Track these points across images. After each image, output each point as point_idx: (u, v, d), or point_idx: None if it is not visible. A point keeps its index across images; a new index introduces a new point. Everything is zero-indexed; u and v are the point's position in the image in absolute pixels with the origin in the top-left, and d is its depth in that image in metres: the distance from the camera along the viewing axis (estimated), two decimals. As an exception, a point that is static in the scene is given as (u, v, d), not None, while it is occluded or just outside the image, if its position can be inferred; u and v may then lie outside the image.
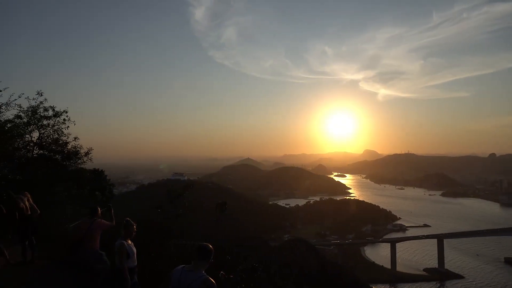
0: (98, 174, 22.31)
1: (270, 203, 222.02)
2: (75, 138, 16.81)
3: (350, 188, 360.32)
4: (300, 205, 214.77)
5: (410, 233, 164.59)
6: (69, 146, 16.75)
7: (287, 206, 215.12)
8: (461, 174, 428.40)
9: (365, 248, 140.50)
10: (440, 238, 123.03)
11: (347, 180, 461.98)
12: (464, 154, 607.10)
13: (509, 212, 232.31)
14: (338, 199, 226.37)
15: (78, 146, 16.96)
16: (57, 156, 16.68)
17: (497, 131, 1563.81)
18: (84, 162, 17.36)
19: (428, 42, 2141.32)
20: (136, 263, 7.10)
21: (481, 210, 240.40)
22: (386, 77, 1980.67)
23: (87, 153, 17.27)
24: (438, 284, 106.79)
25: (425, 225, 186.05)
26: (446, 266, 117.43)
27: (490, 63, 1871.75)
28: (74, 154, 16.74)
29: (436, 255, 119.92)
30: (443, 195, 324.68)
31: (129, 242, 7.05)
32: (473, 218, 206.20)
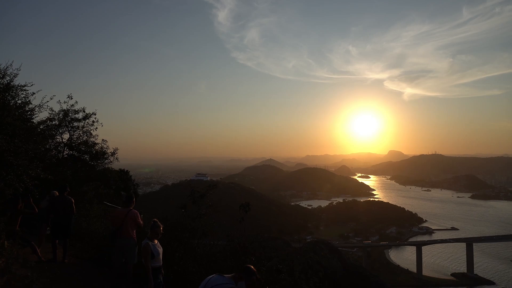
0: (123, 174, 22.93)
1: (292, 204, 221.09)
2: (103, 140, 17.41)
3: (374, 190, 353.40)
4: (322, 206, 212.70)
5: (436, 236, 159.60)
6: (97, 147, 17.32)
7: (310, 207, 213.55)
8: (492, 175, 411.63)
9: (390, 250, 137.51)
10: (469, 242, 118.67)
11: (371, 181, 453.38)
12: (496, 154, 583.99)
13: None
14: (361, 200, 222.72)
15: (105, 146, 17.52)
16: (86, 156, 17.26)
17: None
18: (111, 162, 17.89)
19: (458, 39, 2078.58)
20: (161, 264, 7.20)
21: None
22: (412, 76, 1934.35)
23: (113, 153, 17.80)
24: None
25: (453, 228, 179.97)
26: (476, 271, 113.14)
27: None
28: (102, 154, 17.28)
29: (465, 259, 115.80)
30: (472, 197, 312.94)
31: (155, 242, 7.18)
32: (505, 221, 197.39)
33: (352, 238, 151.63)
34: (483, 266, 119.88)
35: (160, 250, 7.22)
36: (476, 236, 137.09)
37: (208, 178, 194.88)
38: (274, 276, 8.09)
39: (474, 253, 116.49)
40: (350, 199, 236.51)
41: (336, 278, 62.86)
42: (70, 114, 16.46)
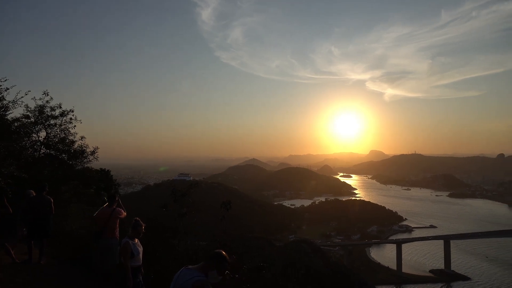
0: (104, 174, 22.47)
1: (275, 203, 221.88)
2: (81, 138, 16.92)
3: (355, 189, 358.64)
4: (305, 205, 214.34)
5: (416, 234, 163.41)
6: (76, 145, 16.85)
7: (293, 207, 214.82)
8: (468, 174, 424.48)
9: (371, 249, 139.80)
10: (446, 239, 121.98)
11: (353, 181, 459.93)
12: (472, 154, 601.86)
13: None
14: (343, 199, 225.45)
15: (84, 145, 17.05)
16: (64, 155, 16.78)
17: (507, 131, 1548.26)
18: (90, 161, 17.45)
19: (437, 41, 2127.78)
20: (140, 263, 7.06)
21: (489, 211, 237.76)
22: (393, 77, 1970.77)
23: (93, 152, 17.35)
24: (445, 286, 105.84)
25: (432, 226, 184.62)
26: (453, 267, 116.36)
27: (500, 62, 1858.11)
28: (81, 153, 16.83)
29: (443, 256, 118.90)
30: (450, 196, 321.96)
31: (136, 241, 7.04)
32: (481, 219, 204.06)
33: (334, 237, 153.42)
34: (460, 262, 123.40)
35: (140, 249, 7.07)
36: (453, 233, 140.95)
37: (191, 178, 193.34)
38: (255, 274, 8.08)
39: (451, 250, 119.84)
40: (333, 198, 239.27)
41: (318, 276, 63.48)
42: (46, 111, 15.96)
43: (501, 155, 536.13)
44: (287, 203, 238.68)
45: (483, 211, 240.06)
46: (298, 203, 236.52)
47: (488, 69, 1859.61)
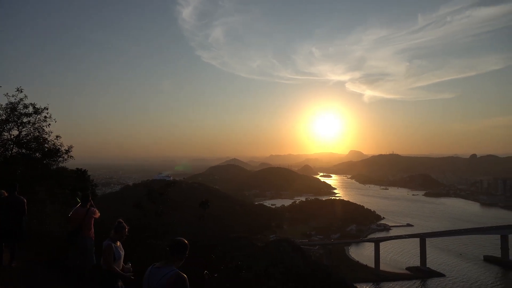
0: (80, 174, 21.88)
1: (256, 203, 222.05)
2: (57, 137, 16.38)
3: (335, 189, 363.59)
4: (286, 205, 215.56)
5: (393, 232, 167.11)
6: (49, 144, 16.27)
7: (273, 207, 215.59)
8: (443, 174, 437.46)
9: (350, 247, 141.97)
10: (422, 237, 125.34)
11: (333, 181, 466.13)
12: (447, 154, 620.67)
13: (488, 212, 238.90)
14: (323, 199, 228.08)
15: (59, 144, 16.50)
16: (37, 154, 16.22)
17: (478, 133, 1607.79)
18: (65, 160, 16.92)
19: (414, 44, 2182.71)
20: (121, 268, 6.65)
21: (462, 210, 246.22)
22: (372, 79, 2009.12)
23: (67, 151, 16.81)
24: (420, 283, 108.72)
25: (408, 225, 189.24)
26: (428, 264, 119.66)
27: (473, 65, 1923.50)
28: (55, 152, 16.29)
29: (419, 254, 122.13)
30: (426, 195, 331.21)
31: (118, 244, 6.69)
32: (454, 217, 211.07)
33: (314, 236, 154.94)
34: (435, 259, 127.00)
35: (122, 253, 6.71)
36: (428, 231, 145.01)
37: (171, 178, 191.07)
38: (234, 273, 8.07)
39: (427, 248, 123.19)
40: (313, 198, 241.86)
41: (299, 275, 63.97)
42: (19, 109, 15.40)
43: (474, 156, 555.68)
44: (268, 203, 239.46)
45: (456, 209, 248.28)
46: (279, 202, 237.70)
47: (461, 72, 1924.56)
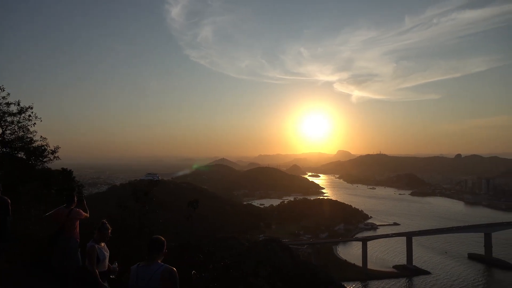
0: (66, 174, 21.58)
1: (245, 203, 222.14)
2: (42, 137, 16.12)
3: (323, 188, 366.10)
4: (274, 205, 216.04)
5: (380, 231, 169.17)
6: (35, 144, 16.01)
7: (262, 206, 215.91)
8: (429, 174, 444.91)
9: (338, 247, 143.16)
10: (408, 236, 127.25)
11: (321, 180, 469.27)
12: (433, 154, 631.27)
13: (472, 210, 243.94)
14: (312, 199, 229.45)
15: (45, 144, 16.24)
16: (22, 154, 15.93)
17: (463, 133, 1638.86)
18: (51, 160, 16.66)
19: (401, 46, 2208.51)
20: (106, 269, 6.68)
21: (447, 209, 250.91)
22: (360, 79, 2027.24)
23: (54, 151, 16.56)
24: (407, 281, 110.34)
25: (395, 224, 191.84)
26: (414, 262, 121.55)
27: (458, 67, 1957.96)
28: (41, 152, 16.03)
29: (405, 252, 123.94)
30: (412, 194, 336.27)
31: (102, 245, 6.69)
32: (440, 216, 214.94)
33: (302, 235, 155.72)
34: (421, 257, 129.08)
35: (107, 254, 6.71)
36: (415, 230, 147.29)
37: (159, 178, 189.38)
38: (222, 273, 8.11)
39: (413, 246, 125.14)
40: (301, 197, 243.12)
41: (287, 274, 64.23)
42: (2, 107, 15.11)
43: (459, 155, 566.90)
44: (256, 202, 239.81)
45: (442, 208, 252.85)
46: (267, 202, 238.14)
47: (447, 74, 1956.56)
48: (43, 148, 16.19)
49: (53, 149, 16.58)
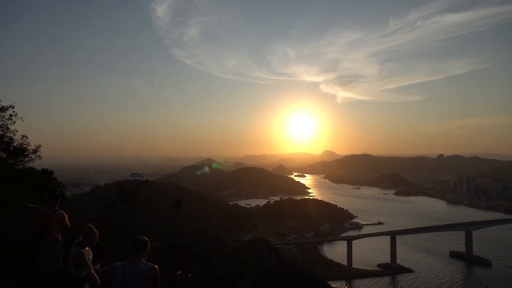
0: (47, 174, 21.13)
1: (231, 203, 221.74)
2: (23, 136, 15.71)
3: (309, 188, 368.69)
4: (260, 205, 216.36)
5: (365, 230, 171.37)
6: (15, 143, 15.60)
7: (248, 206, 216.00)
8: (413, 174, 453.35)
9: (323, 246, 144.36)
10: (392, 235, 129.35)
11: (307, 180, 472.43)
12: (416, 155, 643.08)
13: (454, 209, 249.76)
14: (297, 199, 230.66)
15: (26, 143, 15.83)
16: (1, 153, 15.52)
17: (446, 134, 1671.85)
18: (33, 160, 16.27)
19: (385, 48, 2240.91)
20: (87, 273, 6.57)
21: (430, 208, 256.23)
22: (345, 80, 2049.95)
23: (35, 151, 16.18)
24: (390, 279, 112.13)
25: (379, 223, 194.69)
26: (398, 261, 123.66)
27: (441, 69, 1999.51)
28: (21, 151, 15.63)
29: (389, 251, 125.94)
30: (396, 194, 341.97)
31: (87, 249, 6.63)
32: (423, 215, 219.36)
33: (288, 235, 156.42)
34: (404, 256, 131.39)
35: (91, 257, 6.69)
36: (398, 229, 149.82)
37: (144, 178, 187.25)
38: (208, 273, 8.08)
39: (397, 245, 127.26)
40: (287, 197, 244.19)
41: (272, 274, 64.41)
42: None
43: (441, 156, 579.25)
44: (242, 202, 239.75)
45: (424, 207, 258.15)
46: (253, 202, 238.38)
47: (430, 76, 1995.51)
48: (23, 147, 15.79)
49: (35, 148, 16.20)
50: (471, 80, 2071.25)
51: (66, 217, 7.79)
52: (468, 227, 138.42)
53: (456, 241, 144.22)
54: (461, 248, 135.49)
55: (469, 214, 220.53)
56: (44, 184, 19.39)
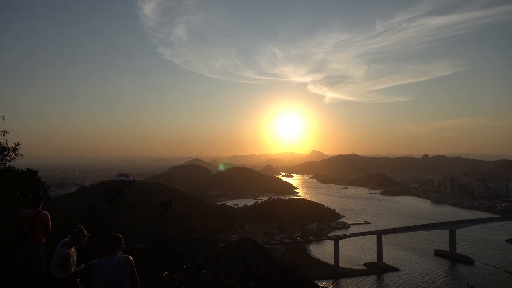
0: (30, 174, 20.60)
1: (219, 203, 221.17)
2: (4, 132, 15.17)
3: (297, 188, 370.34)
4: (248, 205, 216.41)
5: (352, 230, 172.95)
6: (-4, 142, 15.08)
7: (236, 207, 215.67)
8: (398, 173, 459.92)
9: (311, 245, 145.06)
10: (379, 234, 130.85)
11: (294, 180, 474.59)
12: (402, 155, 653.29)
13: (439, 208, 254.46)
14: (285, 198, 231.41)
15: (4, 141, 15.31)
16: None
17: (430, 134, 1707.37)
18: (13, 159, 15.78)
19: (372, 49, 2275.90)
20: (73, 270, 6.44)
21: (415, 207, 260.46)
22: (333, 81, 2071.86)
23: (15, 149, 15.66)
24: (377, 278, 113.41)
25: (366, 222, 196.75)
26: (384, 260, 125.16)
27: (426, 71, 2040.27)
28: (1, 150, 15.13)
29: (375, 250, 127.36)
30: (382, 193, 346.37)
31: (73, 250, 6.47)
32: (408, 214, 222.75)
33: (276, 235, 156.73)
34: (390, 255, 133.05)
35: (75, 258, 6.53)
36: (385, 228, 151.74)
37: (131, 179, 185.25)
38: (195, 273, 7.95)
39: (383, 244, 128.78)
40: (275, 197, 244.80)
41: (260, 273, 64.42)
42: None
43: (426, 156, 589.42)
44: (230, 203, 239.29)
45: (410, 207, 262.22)
46: (241, 202, 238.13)
47: (415, 77, 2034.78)
48: (2, 146, 15.28)
49: (14, 146, 15.68)
50: (455, 81, 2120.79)
51: (50, 219, 7.58)
52: (452, 226, 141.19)
53: (440, 239, 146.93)
54: (445, 247, 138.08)
55: (453, 213, 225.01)
56: (28, 184, 18.89)
